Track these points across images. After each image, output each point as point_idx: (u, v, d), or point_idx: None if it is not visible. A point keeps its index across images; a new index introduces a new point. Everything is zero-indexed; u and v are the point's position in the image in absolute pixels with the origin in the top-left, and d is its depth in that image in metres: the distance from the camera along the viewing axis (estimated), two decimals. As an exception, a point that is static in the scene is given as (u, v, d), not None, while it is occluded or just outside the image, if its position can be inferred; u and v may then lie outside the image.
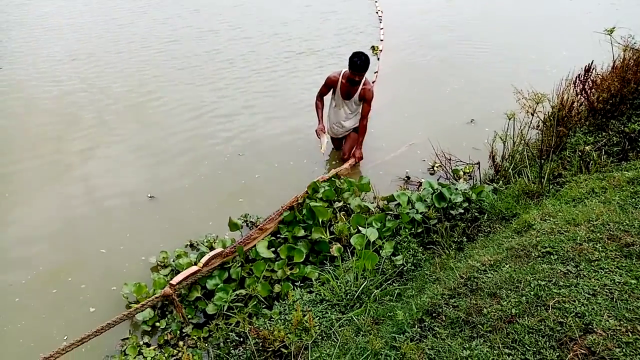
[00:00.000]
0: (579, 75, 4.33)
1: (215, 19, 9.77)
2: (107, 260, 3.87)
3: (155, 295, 3.14)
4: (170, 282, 3.14)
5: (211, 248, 3.74)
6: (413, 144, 5.28)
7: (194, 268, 3.29)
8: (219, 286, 3.26)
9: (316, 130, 4.86)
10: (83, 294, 3.57)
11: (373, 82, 6.60)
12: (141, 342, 3.14)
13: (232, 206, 4.42)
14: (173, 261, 3.69)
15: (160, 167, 5.09)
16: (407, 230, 3.59)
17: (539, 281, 2.14)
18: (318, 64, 7.62)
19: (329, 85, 4.82)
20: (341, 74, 4.73)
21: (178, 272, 3.36)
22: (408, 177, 4.69)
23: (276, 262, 3.58)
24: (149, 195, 4.57)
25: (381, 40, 8.43)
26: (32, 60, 7.90)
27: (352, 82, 4.60)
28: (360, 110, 4.87)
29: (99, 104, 6.42)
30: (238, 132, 5.76)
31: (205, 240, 3.89)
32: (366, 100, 4.72)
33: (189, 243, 3.98)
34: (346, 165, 4.83)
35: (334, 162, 5.15)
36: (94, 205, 4.51)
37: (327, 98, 5.00)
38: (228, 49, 8.35)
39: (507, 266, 2.39)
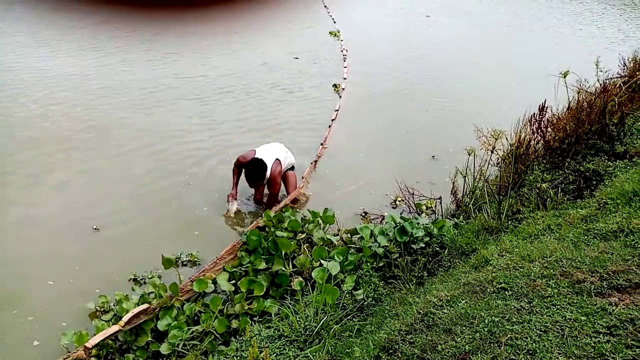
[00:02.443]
0: (534, 114, 4.50)
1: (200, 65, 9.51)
2: (56, 293, 3.70)
3: (65, 357, 2.95)
4: (86, 344, 2.95)
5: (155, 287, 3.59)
6: (364, 184, 5.28)
7: (114, 328, 3.09)
8: (171, 325, 3.14)
9: (227, 195, 4.77)
10: (30, 326, 3.40)
11: (333, 120, 6.67)
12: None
13: (186, 239, 4.36)
14: (114, 305, 3.47)
15: (112, 197, 4.95)
16: (369, 264, 3.57)
17: (493, 317, 2.14)
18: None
19: (239, 166, 4.74)
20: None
21: (121, 318, 3.19)
22: (365, 213, 4.70)
23: (235, 296, 3.49)
24: (94, 227, 4.42)
25: (344, 78, 8.52)
26: None
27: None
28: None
29: (56, 134, 6.22)
30: (191, 160, 5.72)
31: (148, 276, 3.78)
32: (272, 185, 4.69)
33: (132, 277, 3.86)
34: (286, 201, 4.78)
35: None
36: (40, 236, 4.33)
37: None
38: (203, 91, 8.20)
39: (463, 302, 2.38)
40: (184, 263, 4.08)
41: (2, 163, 5.45)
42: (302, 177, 5.23)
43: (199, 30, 11.60)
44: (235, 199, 4.76)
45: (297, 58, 9.54)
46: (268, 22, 12.36)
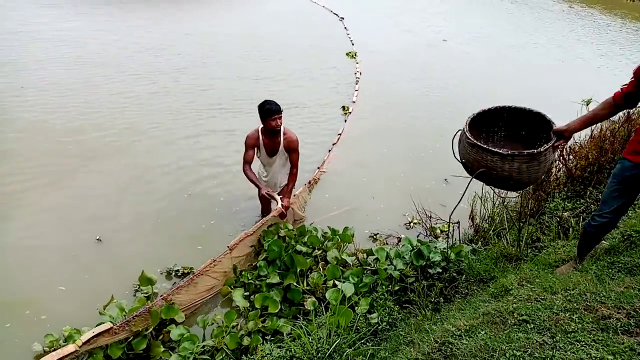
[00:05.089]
0: (557, 141, 4.43)
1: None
2: (68, 298, 3.76)
3: None
4: None
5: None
6: (350, 209, 5.12)
7: (70, 348, 2.96)
8: (184, 336, 3.12)
9: (265, 194, 4.29)
10: (42, 324, 3.46)
11: (334, 145, 6.50)
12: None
13: (189, 252, 4.33)
14: (64, 342, 3.21)
15: (116, 208, 4.94)
16: (384, 287, 3.52)
17: (515, 351, 2.07)
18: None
19: (253, 146, 4.34)
20: (259, 131, 4.31)
21: None
22: (376, 234, 4.65)
23: (250, 312, 3.46)
24: (97, 238, 4.41)
25: (353, 101, 8.24)
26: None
27: (273, 131, 4.22)
28: (288, 162, 4.50)
29: (61, 140, 6.22)
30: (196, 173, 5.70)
31: (144, 290, 3.74)
32: (293, 149, 4.35)
33: (135, 287, 3.87)
34: (274, 213, 4.29)
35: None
36: (47, 245, 4.35)
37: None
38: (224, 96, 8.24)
39: (483, 332, 2.32)
40: (178, 275, 4.04)
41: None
42: (295, 195, 4.79)
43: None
44: (274, 192, 4.34)
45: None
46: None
